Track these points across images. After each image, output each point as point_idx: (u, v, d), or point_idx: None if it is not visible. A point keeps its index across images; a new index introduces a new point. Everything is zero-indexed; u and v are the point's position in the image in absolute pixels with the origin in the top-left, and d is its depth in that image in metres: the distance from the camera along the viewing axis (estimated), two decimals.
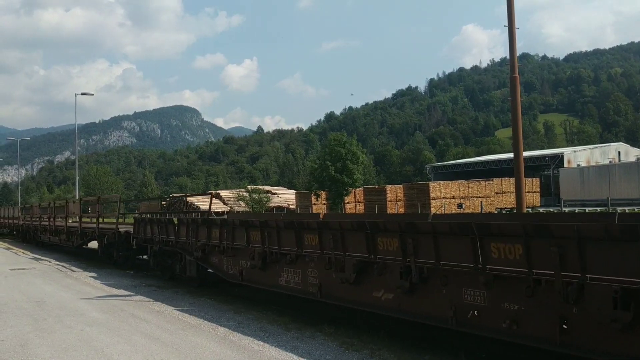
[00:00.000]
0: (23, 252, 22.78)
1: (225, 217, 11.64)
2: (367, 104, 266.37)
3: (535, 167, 60.85)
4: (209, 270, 11.22)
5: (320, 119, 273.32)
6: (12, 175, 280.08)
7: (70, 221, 20.46)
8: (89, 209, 25.81)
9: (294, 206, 47.36)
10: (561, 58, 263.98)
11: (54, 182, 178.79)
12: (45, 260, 19.22)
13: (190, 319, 8.46)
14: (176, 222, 12.02)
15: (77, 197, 22.13)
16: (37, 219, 25.50)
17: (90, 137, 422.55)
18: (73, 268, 16.42)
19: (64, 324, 8.27)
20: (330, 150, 43.15)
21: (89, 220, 20.21)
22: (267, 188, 52.73)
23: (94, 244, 18.58)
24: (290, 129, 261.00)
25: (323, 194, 43.84)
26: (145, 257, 14.76)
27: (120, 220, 17.85)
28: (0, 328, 8.06)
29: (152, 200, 40.67)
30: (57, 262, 18.22)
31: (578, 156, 61.65)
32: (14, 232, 33.30)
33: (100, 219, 19.78)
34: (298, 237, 7.84)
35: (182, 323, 8.20)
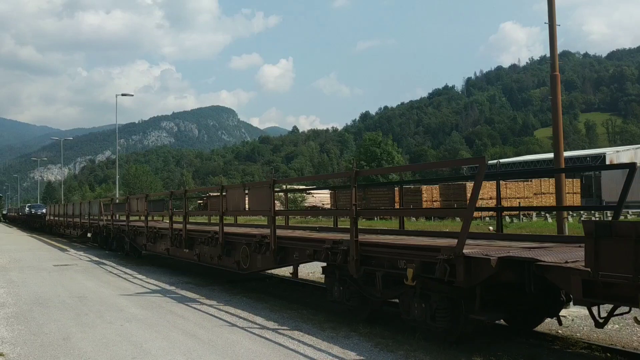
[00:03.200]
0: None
1: None
2: (402, 104, 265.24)
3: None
4: None
5: (355, 119, 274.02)
6: (55, 174, 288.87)
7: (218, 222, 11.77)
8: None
9: (328, 205, 47.40)
10: (603, 55, 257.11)
11: (95, 181, 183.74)
12: (86, 257, 19.75)
13: (226, 316, 8.57)
14: None
15: (270, 179, 10.22)
16: (144, 218, 16.81)
17: (130, 137, 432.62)
18: (113, 265, 16.83)
19: (105, 319, 8.48)
20: (366, 150, 43.15)
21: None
22: (302, 187, 52.94)
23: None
24: (325, 128, 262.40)
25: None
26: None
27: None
28: (44, 322, 8.33)
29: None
30: (97, 259, 18.69)
31: (621, 156, 59.85)
32: (89, 235, 26.36)
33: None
34: None
35: (218, 320, 8.31)
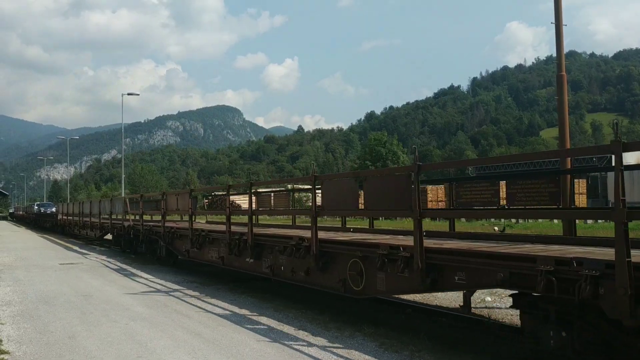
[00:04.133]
0: None
1: None
2: (408, 104, 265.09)
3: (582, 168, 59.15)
4: None
5: (360, 119, 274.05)
6: (61, 172, 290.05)
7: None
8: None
9: None
10: (610, 55, 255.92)
11: (101, 180, 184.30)
12: (93, 255, 19.81)
13: (230, 316, 8.57)
14: None
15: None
16: (186, 218, 14.72)
17: (135, 136, 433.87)
18: (119, 264, 16.87)
19: (110, 317, 8.50)
20: (371, 149, 43.11)
21: None
22: (307, 187, 52.88)
23: None
24: (330, 128, 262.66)
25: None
26: None
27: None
28: (50, 320, 8.35)
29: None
30: (104, 258, 18.75)
31: (627, 157, 58.56)
32: (109, 236, 23.60)
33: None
34: None
35: (223, 319, 8.32)
